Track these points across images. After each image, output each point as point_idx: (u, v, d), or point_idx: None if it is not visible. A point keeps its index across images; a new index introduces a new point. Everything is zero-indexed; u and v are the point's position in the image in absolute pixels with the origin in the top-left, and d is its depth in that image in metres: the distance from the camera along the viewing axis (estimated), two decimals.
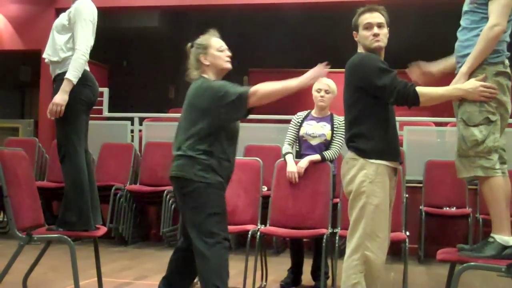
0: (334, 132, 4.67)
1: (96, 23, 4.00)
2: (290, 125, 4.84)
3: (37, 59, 8.40)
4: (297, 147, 4.76)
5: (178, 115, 9.47)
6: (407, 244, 4.31)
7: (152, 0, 8.31)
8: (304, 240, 4.97)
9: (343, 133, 4.02)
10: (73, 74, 3.79)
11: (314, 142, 4.66)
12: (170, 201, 6.38)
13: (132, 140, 7.53)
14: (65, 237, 3.53)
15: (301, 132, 4.71)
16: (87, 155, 3.96)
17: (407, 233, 4.44)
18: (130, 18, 10.42)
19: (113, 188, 6.43)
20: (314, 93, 4.74)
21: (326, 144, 4.64)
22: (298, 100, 9.86)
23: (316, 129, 4.67)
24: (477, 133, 3.08)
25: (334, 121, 4.72)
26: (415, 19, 9.58)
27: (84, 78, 3.86)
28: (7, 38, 8.44)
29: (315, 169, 4.60)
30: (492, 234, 3.05)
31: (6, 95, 11.35)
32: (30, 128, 8.87)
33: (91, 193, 3.88)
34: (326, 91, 4.71)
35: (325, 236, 4.28)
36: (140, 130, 7.63)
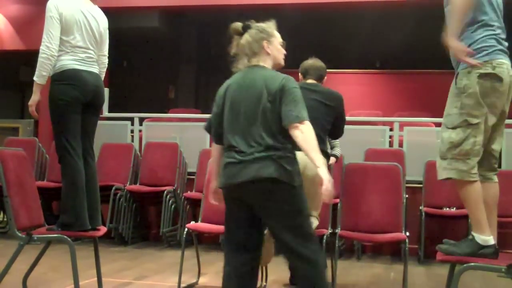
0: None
1: (68, 17, 3.91)
2: None
3: (37, 59, 8.41)
4: None
5: (178, 115, 9.50)
6: (407, 244, 4.31)
7: (152, 1, 8.31)
8: None
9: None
10: (36, 74, 3.87)
11: None
12: (170, 201, 6.38)
13: (132, 140, 7.53)
14: (65, 237, 3.52)
15: None
16: (88, 156, 3.95)
17: (407, 233, 4.44)
18: (130, 18, 10.41)
19: (113, 188, 6.43)
20: None
21: None
22: None
23: None
24: (454, 135, 3.08)
25: None
26: (415, 19, 9.59)
27: (66, 77, 3.85)
28: (8, 38, 8.44)
29: None
30: (472, 232, 3.10)
31: (6, 95, 11.35)
32: (30, 128, 8.86)
33: (91, 194, 3.87)
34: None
35: (325, 237, 4.28)
36: (140, 130, 7.63)
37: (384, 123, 7.41)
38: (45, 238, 3.69)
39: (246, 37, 3.13)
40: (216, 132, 3.11)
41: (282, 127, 2.86)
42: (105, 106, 7.83)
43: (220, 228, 4.55)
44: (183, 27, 11.94)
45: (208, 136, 7.19)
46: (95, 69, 4.02)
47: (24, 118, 11.06)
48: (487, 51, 3.04)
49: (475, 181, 3.10)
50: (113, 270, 5.05)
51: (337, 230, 4.51)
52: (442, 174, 3.18)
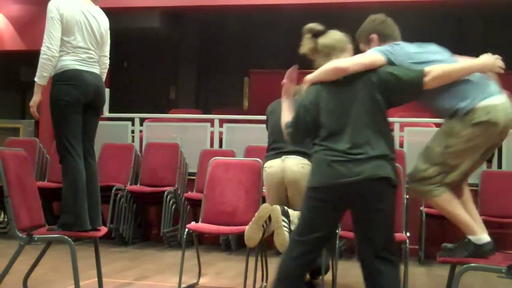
0: None
1: (69, 18, 3.92)
2: None
3: (38, 59, 8.41)
4: None
5: (178, 115, 9.52)
6: (407, 245, 4.31)
7: (153, 1, 8.32)
8: None
9: None
10: (37, 75, 3.89)
11: None
12: (171, 202, 6.38)
13: (133, 141, 7.53)
14: (66, 237, 3.53)
15: None
16: (89, 156, 3.95)
17: (408, 234, 4.44)
18: (130, 18, 10.41)
19: (114, 188, 6.43)
20: None
21: None
22: None
23: None
24: (430, 172, 3.12)
25: None
26: (415, 20, 9.59)
27: (67, 77, 3.86)
28: (8, 38, 8.45)
29: None
30: (466, 235, 3.12)
31: (7, 95, 11.36)
32: (30, 129, 8.87)
33: (92, 195, 3.88)
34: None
35: None
36: (140, 131, 7.63)
37: None
38: (46, 239, 3.70)
39: (329, 38, 3.25)
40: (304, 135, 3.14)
41: (388, 128, 2.95)
42: (106, 107, 7.83)
43: (220, 228, 4.56)
44: (183, 28, 11.94)
45: (208, 136, 7.20)
46: (96, 70, 4.02)
47: (25, 118, 11.06)
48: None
49: (443, 193, 3.12)
50: (113, 270, 5.06)
51: (337, 231, 4.51)
52: (411, 193, 3.32)
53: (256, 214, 3.99)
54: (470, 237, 3.09)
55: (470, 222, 3.15)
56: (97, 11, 4.12)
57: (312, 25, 3.23)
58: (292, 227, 3.96)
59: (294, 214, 4.03)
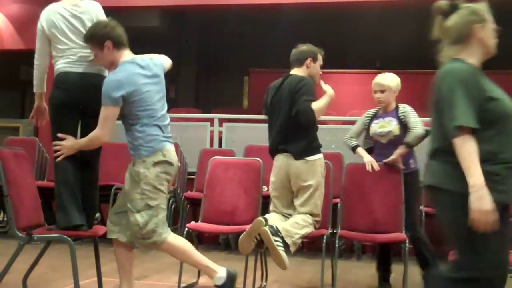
0: (404, 121, 4.59)
1: (49, 26, 4.05)
2: (358, 121, 4.87)
3: None
4: (371, 143, 4.76)
5: (178, 115, 9.52)
6: (407, 244, 4.31)
7: (153, 0, 8.30)
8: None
9: (415, 116, 4.54)
10: (34, 84, 4.07)
11: (384, 140, 4.62)
12: (170, 201, 6.37)
13: None
14: (65, 236, 3.53)
15: (371, 132, 4.67)
16: (91, 159, 3.95)
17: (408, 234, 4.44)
18: (130, 18, 10.39)
19: (113, 187, 6.42)
20: (373, 95, 4.73)
21: (395, 141, 4.57)
22: None
23: (383, 127, 4.61)
24: (139, 218, 3.48)
25: (399, 113, 4.65)
26: (416, 19, 9.58)
27: (56, 80, 3.94)
28: (8, 37, 8.44)
29: None
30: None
31: (6, 94, 11.35)
32: (30, 128, 8.86)
33: (87, 194, 3.89)
34: (381, 91, 4.67)
35: (325, 237, 4.28)
36: None
37: None
38: (45, 238, 3.70)
39: (455, 18, 2.70)
40: None
41: None
42: None
43: (220, 228, 4.56)
44: (183, 27, 11.93)
45: (208, 135, 7.19)
46: (90, 69, 3.93)
47: (24, 117, 11.06)
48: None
49: (168, 239, 3.59)
50: (113, 269, 5.03)
51: (337, 230, 4.51)
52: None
53: (249, 225, 3.98)
54: (215, 279, 3.46)
55: (205, 261, 3.53)
56: (81, 6, 4.06)
57: (439, 3, 2.81)
58: (289, 241, 3.94)
59: (287, 226, 4.02)
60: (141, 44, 12.83)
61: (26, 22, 8.36)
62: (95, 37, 3.56)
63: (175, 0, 8.36)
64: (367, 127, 4.71)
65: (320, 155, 4.23)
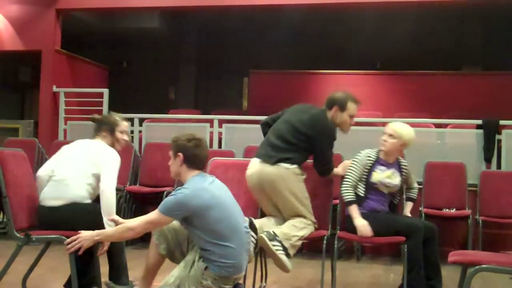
0: (405, 177, 4.43)
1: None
2: (355, 164, 4.32)
3: (37, 59, 8.42)
4: (362, 191, 4.32)
5: (178, 116, 9.50)
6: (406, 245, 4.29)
7: (152, 1, 8.31)
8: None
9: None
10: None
11: (386, 191, 4.33)
12: None
13: (132, 141, 7.52)
14: (64, 237, 3.52)
15: (374, 179, 4.28)
16: None
17: None
18: (130, 19, 10.41)
19: None
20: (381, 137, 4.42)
21: (394, 193, 4.40)
22: (300, 102, 9.86)
23: (390, 178, 4.31)
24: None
25: (402, 168, 4.44)
26: (416, 20, 9.59)
27: None
28: (7, 38, 8.43)
29: (314, 171, 4.59)
30: None
31: (6, 95, 11.35)
32: (30, 129, 8.85)
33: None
34: (390, 135, 4.34)
35: (325, 238, 4.27)
36: (140, 131, 7.62)
37: (384, 124, 7.38)
38: (44, 239, 3.69)
39: None
40: None
41: None
42: (105, 107, 7.83)
43: None
44: (183, 28, 11.93)
45: (208, 136, 7.19)
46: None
47: (23, 118, 11.06)
48: None
49: None
50: None
51: (336, 231, 4.50)
52: None
53: None
54: None
55: None
56: None
57: None
58: (287, 244, 3.92)
59: (284, 230, 4.00)
60: (141, 44, 12.90)
61: (25, 23, 8.36)
62: None
63: (175, 1, 8.35)
64: (366, 173, 4.32)
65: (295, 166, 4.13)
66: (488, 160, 6.58)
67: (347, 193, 4.26)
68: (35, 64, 8.60)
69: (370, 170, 4.31)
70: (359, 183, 4.32)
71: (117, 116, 4.15)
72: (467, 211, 6.04)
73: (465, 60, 10.57)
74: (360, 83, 10.00)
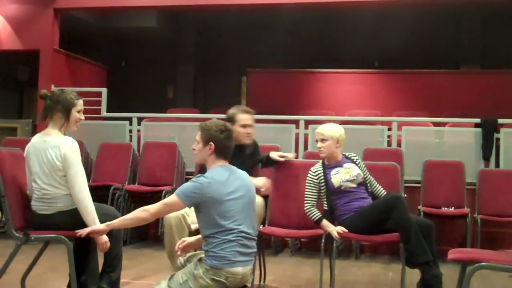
0: (361, 167, 4.43)
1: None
2: (308, 184, 4.36)
3: (36, 59, 8.42)
4: (326, 204, 4.34)
5: (176, 115, 9.51)
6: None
7: (151, 0, 8.31)
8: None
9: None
10: None
11: (354, 184, 4.31)
12: None
13: (131, 140, 7.52)
14: (63, 237, 3.51)
15: (336, 184, 4.28)
16: None
17: None
18: (128, 18, 10.41)
19: (112, 188, 6.42)
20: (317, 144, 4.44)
21: (363, 183, 4.36)
22: (298, 101, 9.89)
23: (348, 173, 4.33)
24: None
25: (351, 158, 4.46)
26: (413, 19, 9.59)
27: None
28: (6, 38, 8.43)
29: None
30: None
31: (4, 95, 11.33)
32: (28, 128, 8.85)
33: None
34: (322, 140, 4.37)
35: (323, 236, 4.27)
36: (138, 130, 7.62)
37: (382, 123, 7.41)
38: (42, 238, 3.69)
39: None
40: None
41: None
42: (104, 106, 7.83)
43: None
44: (181, 27, 11.93)
45: None
46: None
47: (22, 118, 11.05)
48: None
49: None
50: None
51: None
52: None
53: None
54: None
55: None
56: None
57: None
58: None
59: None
60: (139, 44, 12.91)
61: (24, 23, 8.36)
62: None
63: (173, 0, 8.35)
64: (324, 185, 4.32)
65: None
66: (486, 158, 6.59)
67: (312, 213, 4.29)
68: (33, 63, 8.59)
69: (326, 180, 4.31)
70: (324, 198, 4.33)
71: (71, 94, 3.80)
72: (466, 210, 6.05)
73: (464, 59, 10.58)
74: (358, 82, 10.01)
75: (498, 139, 6.65)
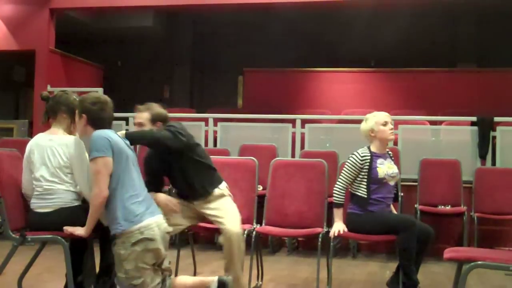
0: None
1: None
2: (350, 166, 4.24)
3: (31, 59, 8.40)
4: (364, 192, 4.22)
5: (173, 115, 9.53)
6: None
7: (147, 0, 8.29)
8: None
9: None
10: None
11: (392, 182, 4.27)
12: None
13: None
14: (59, 237, 3.51)
15: (381, 175, 4.18)
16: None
17: None
18: (124, 18, 10.39)
19: None
20: (380, 127, 4.26)
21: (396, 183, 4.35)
22: (294, 101, 9.89)
23: (391, 168, 4.27)
24: None
25: (391, 156, 4.42)
26: (409, 18, 9.60)
27: None
28: (1, 38, 8.41)
29: (310, 168, 4.60)
30: None
31: (0, 95, 11.31)
32: (24, 129, 8.82)
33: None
34: (392, 123, 4.32)
35: (320, 235, 4.28)
36: None
37: None
38: (39, 239, 3.68)
39: None
40: None
41: None
42: None
43: (215, 227, 4.55)
44: (177, 27, 11.92)
45: (203, 135, 7.19)
46: None
47: (18, 118, 11.02)
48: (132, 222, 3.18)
49: None
50: None
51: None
52: None
53: None
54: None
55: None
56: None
57: None
58: None
59: None
60: (135, 43, 12.88)
61: (19, 23, 8.34)
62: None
63: (169, 0, 8.34)
64: (366, 171, 4.23)
65: None
66: (483, 156, 6.60)
67: (338, 195, 4.25)
68: (29, 63, 8.58)
69: (371, 167, 4.21)
70: (360, 184, 4.24)
71: (74, 95, 3.82)
72: (462, 208, 6.06)
73: (460, 57, 10.59)
74: (354, 81, 10.01)
75: (494, 137, 6.66)
